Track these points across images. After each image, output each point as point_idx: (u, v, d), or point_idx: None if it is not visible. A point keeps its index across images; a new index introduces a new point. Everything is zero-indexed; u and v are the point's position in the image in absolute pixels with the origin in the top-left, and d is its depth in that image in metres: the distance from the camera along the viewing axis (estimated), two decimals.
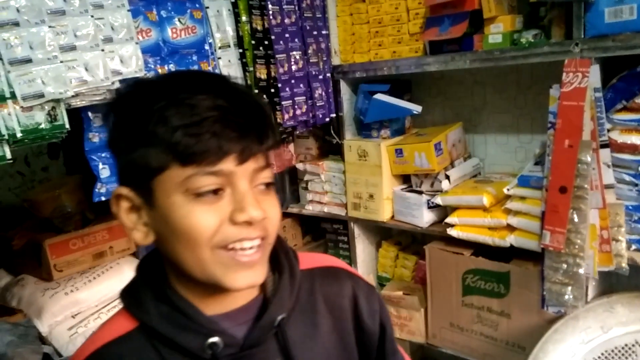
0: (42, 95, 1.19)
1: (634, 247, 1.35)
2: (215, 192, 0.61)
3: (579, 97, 1.28)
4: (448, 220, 1.65)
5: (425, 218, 1.74)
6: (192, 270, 0.63)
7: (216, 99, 0.60)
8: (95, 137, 1.41)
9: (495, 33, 1.48)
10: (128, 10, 1.34)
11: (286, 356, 0.69)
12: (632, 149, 1.30)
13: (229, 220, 0.61)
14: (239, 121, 0.60)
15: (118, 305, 2.05)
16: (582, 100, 1.28)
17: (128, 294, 0.69)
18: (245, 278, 0.63)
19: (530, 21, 1.48)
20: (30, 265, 1.86)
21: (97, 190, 1.43)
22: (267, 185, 0.65)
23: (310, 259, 0.79)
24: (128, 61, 1.34)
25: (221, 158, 0.59)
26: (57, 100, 1.23)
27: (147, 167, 0.60)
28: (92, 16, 1.27)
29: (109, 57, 1.30)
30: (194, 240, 0.60)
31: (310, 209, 2.03)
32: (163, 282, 0.67)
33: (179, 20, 1.47)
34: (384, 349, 0.79)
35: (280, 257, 0.72)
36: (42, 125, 1.22)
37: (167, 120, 0.59)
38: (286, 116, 1.70)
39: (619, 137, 1.31)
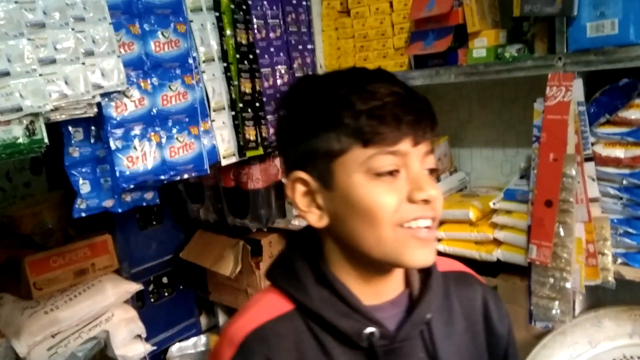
0: (20, 109, 1.17)
1: (619, 260, 1.34)
2: (392, 173, 0.65)
3: (562, 110, 1.29)
4: None
5: None
6: (371, 249, 0.66)
7: (392, 86, 0.66)
8: (76, 151, 1.39)
9: (480, 47, 1.48)
10: (110, 24, 1.33)
11: (430, 353, 0.72)
12: (616, 162, 1.30)
13: (407, 199, 0.65)
14: (415, 106, 0.66)
15: (100, 325, 1.98)
16: (566, 114, 1.28)
17: (284, 274, 0.73)
18: (422, 255, 0.67)
19: (514, 36, 1.49)
20: (9, 283, 1.82)
21: (77, 206, 1.40)
22: (431, 170, 0.69)
23: (444, 263, 0.82)
24: (109, 74, 1.32)
25: (400, 139, 0.64)
26: (36, 114, 1.21)
27: (330, 150, 0.65)
28: (73, 29, 1.26)
29: (90, 70, 1.29)
30: (376, 217, 0.64)
31: (296, 223, 2.01)
32: (322, 265, 0.71)
33: (162, 34, 1.45)
34: (509, 354, 0.83)
35: None
36: (20, 140, 1.19)
37: (351, 105, 0.64)
38: (272, 131, 1.69)
39: (603, 150, 1.31)
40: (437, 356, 0.72)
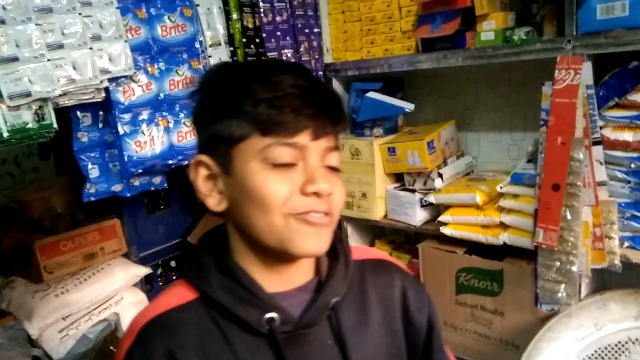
0: (29, 94, 1.17)
1: (626, 244, 1.35)
2: (287, 165, 0.66)
3: (571, 94, 1.28)
4: (441, 218, 1.65)
5: (419, 217, 1.73)
6: (264, 235, 0.68)
7: (297, 79, 0.67)
8: (84, 136, 1.39)
9: (488, 30, 1.47)
10: (117, 8, 1.32)
11: (338, 339, 0.72)
12: (625, 146, 1.29)
13: (300, 191, 0.66)
14: (317, 100, 0.67)
15: (110, 307, 2.00)
16: (574, 97, 1.28)
17: (190, 265, 0.74)
18: (312, 243, 0.68)
19: (523, 18, 1.48)
20: (20, 267, 1.84)
21: (86, 190, 1.41)
22: (333, 169, 0.70)
23: (361, 251, 0.83)
24: (117, 59, 1.32)
25: (298, 131, 0.66)
26: (45, 100, 1.21)
27: (230, 136, 0.67)
28: (80, 14, 1.25)
29: (97, 55, 1.28)
30: (267, 205, 0.66)
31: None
32: (226, 255, 0.72)
33: (169, 18, 1.45)
34: (431, 345, 0.82)
35: (335, 245, 0.77)
36: (30, 125, 1.19)
37: (252, 93, 0.66)
38: None
39: (612, 134, 1.31)
40: (344, 342, 0.72)
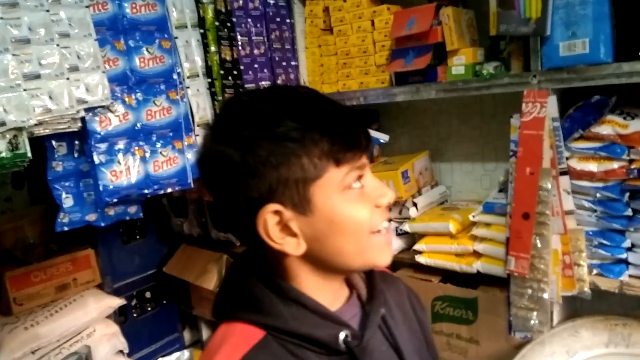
0: (3, 124, 1.17)
1: (595, 271, 1.38)
2: (360, 183, 0.69)
3: (538, 126, 1.33)
4: (416, 247, 1.66)
5: (394, 245, 1.75)
6: (352, 259, 0.70)
7: (333, 103, 0.70)
8: (59, 165, 1.39)
9: (458, 65, 1.52)
10: (95, 40, 1.34)
11: (391, 344, 0.78)
12: (590, 176, 1.34)
13: (375, 206, 0.70)
14: (361, 122, 0.70)
15: (81, 340, 1.94)
16: (541, 129, 1.32)
17: (245, 304, 0.71)
18: (390, 253, 0.75)
19: (491, 54, 1.54)
20: None
21: (59, 220, 1.40)
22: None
23: None
24: (94, 90, 1.33)
25: (363, 154, 0.69)
26: (19, 129, 1.21)
27: (305, 176, 0.65)
28: (57, 45, 1.27)
29: (74, 85, 1.29)
30: (359, 230, 0.68)
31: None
32: (283, 284, 0.71)
33: (147, 50, 1.47)
34: (430, 336, 0.91)
35: None
36: (3, 154, 1.19)
37: (319, 127, 0.65)
38: None
39: (577, 164, 1.35)
40: (398, 346, 0.78)
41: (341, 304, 0.77)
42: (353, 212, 0.68)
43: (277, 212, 0.67)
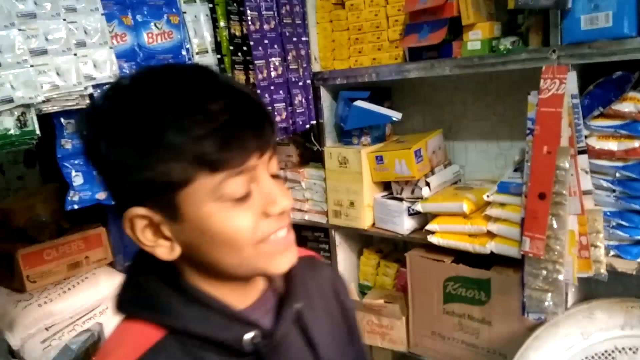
0: (11, 100, 1.16)
1: (612, 253, 1.35)
2: (245, 195, 0.61)
3: (556, 103, 1.29)
4: (428, 227, 1.64)
5: (406, 225, 1.73)
6: (236, 269, 0.64)
7: (222, 98, 0.59)
8: (68, 143, 1.38)
9: (474, 40, 1.48)
10: (102, 14, 1.31)
11: (307, 340, 0.74)
12: (609, 155, 1.30)
13: (262, 214, 0.63)
14: (251, 115, 0.61)
15: (94, 317, 1.96)
16: (559, 106, 1.28)
17: (144, 302, 0.66)
18: (286, 260, 0.67)
19: (509, 28, 1.49)
20: (2, 276, 1.81)
21: (69, 198, 1.40)
22: (275, 176, 0.67)
23: None
24: (102, 66, 1.31)
25: (247, 157, 0.60)
26: (27, 106, 1.20)
27: (171, 182, 0.58)
28: (64, 20, 1.25)
29: (82, 61, 1.28)
30: (237, 243, 0.61)
31: (291, 216, 2.01)
32: (184, 284, 0.66)
33: (155, 25, 1.44)
34: (355, 321, 0.88)
35: None
36: (11, 131, 1.18)
37: (186, 130, 0.56)
38: None
39: (597, 143, 1.32)
40: (313, 342, 0.74)
41: (252, 301, 0.71)
42: (229, 222, 0.60)
43: (142, 216, 0.61)
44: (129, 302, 0.67)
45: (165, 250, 0.63)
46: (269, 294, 0.74)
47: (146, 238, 0.62)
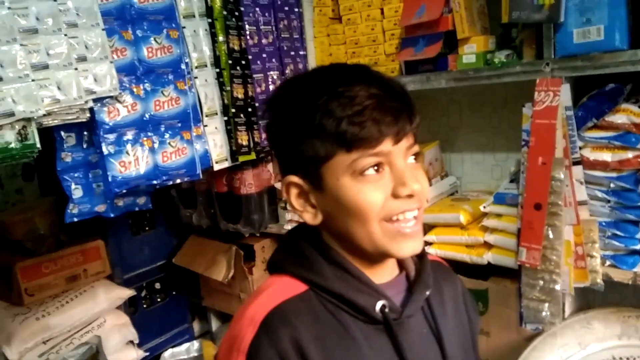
0: (12, 114, 1.17)
1: (608, 262, 1.36)
2: (377, 170, 0.69)
3: (551, 115, 1.31)
4: (426, 238, 1.65)
5: None
6: (363, 242, 0.71)
7: (369, 87, 0.68)
8: (68, 156, 1.39)
9: (469, 53, 1.50)
10: (103, 30, 1.33)
11: (432, 328, 0.79)
12: (604, 165, 1.32)
13: (392, 195, 0.69)
14: (393, 105, 0.68)
15: (92, 331, 1.97)
16: (554, 118, 1.30)
17: (294, 260, 0.76)
18: (409, 247, 0.72)
19: (503, 42, 1.51)
20: (0, 289, 1.81)
21: (69, 211, 1.40)
22: (416, 157, 0.73)
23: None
24: (102, 80, 1.33)
25: (380, 141, 0.67)
26: (28, 119, 1.21)
27: (316, 157, 0.69)
28: (65, 35, 1.27)
29: (82, 75, 1.29)
30: (364, 215, 0.69)
31: (289, 228, 2.01)
32: (328, 250, 0.75)
33: (155, 40, 1.46)
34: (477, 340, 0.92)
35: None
36: (12, 145, 1.19)
37: (331, 112, 0.66)
38: (264, 136, 1.70)
39: (591, 154, 1.33)
40: (439, 330, 0.78)
41: (386, 281, 0.77)
42: (361, 196, 0.68)
43: (296, 184, 0.73)
44: (280, 260, 0.79)
45: (311, 216, 0.74)
46: (402, 279, 0.80)
47: (298, 203, 0.74)
